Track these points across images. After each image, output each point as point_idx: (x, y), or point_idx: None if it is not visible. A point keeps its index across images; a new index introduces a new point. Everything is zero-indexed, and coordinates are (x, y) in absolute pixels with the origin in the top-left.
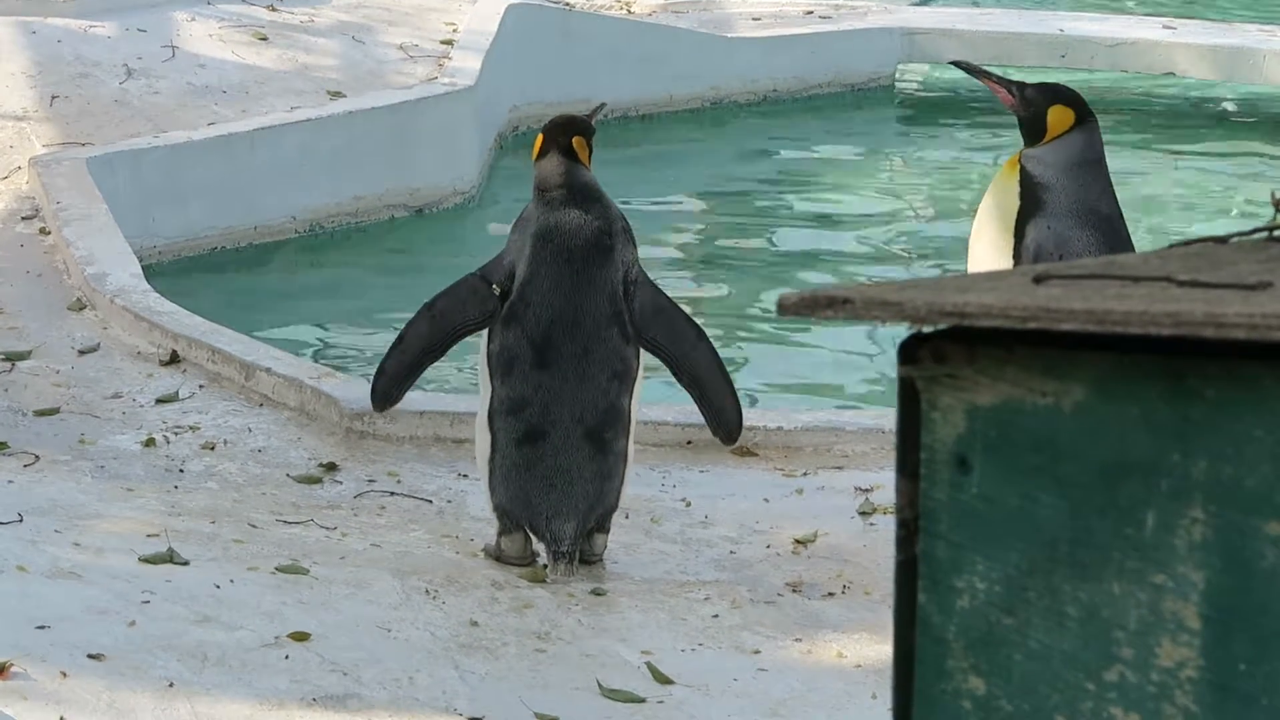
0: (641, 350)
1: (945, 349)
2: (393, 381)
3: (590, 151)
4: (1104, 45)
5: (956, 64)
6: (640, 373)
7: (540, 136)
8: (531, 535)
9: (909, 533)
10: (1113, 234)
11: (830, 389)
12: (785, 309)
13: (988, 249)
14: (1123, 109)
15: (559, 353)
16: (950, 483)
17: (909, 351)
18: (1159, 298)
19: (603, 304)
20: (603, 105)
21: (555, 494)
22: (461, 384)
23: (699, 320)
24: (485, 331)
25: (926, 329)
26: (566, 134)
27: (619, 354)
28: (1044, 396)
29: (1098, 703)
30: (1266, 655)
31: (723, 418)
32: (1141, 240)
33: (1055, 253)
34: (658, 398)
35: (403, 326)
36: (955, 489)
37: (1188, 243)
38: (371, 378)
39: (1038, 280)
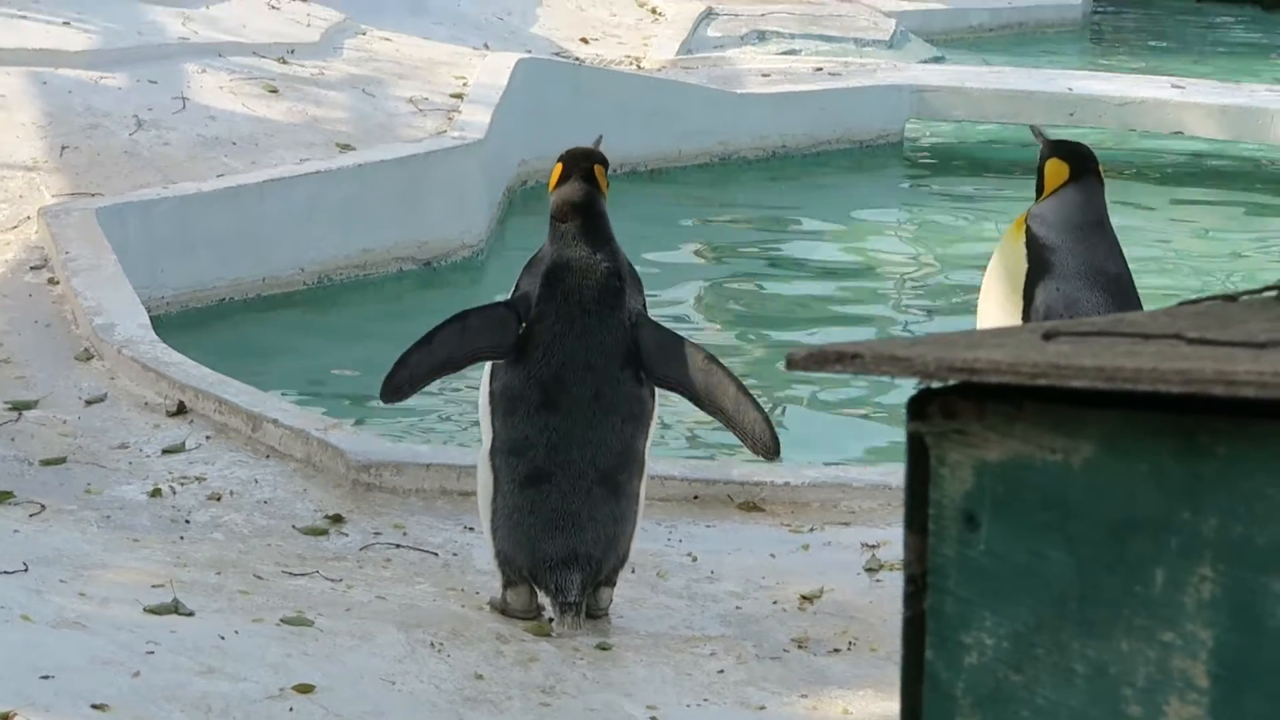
0: (657, 390)
1: (954, 405)
2: (412, 377)
3: (607, 184)
4: (1112, 104)
5: (1031, 128)
6: (655, 415)
7: (558, 165)
8: (536, 588)
9: (917, 589)
10: (1121, 293)
11: (837, 445)
12: (794, 364)
13: (997, 310)
14: (1131, 167)
15: (569, 395)
16: (958, 539)
17: (918, 407)
18: (1169, 355)
19: (614, 346)
20: (599, 138)
21: (561, 539)
22: (467, 439)
23: None
24: (487, 371)
25: (936, 384)
26: (588, 161)
27: (634, 396)
28: (1053, 453)
29: None
30: (1276, 715)
31: (755, 434)
32: (1150, 299)
33: (1065, 314)
34: (664, 453)
35: (431, 329)
36: (964, 545)
37: (1197, 300)
38: (389, 371)
39: (1047, 337)
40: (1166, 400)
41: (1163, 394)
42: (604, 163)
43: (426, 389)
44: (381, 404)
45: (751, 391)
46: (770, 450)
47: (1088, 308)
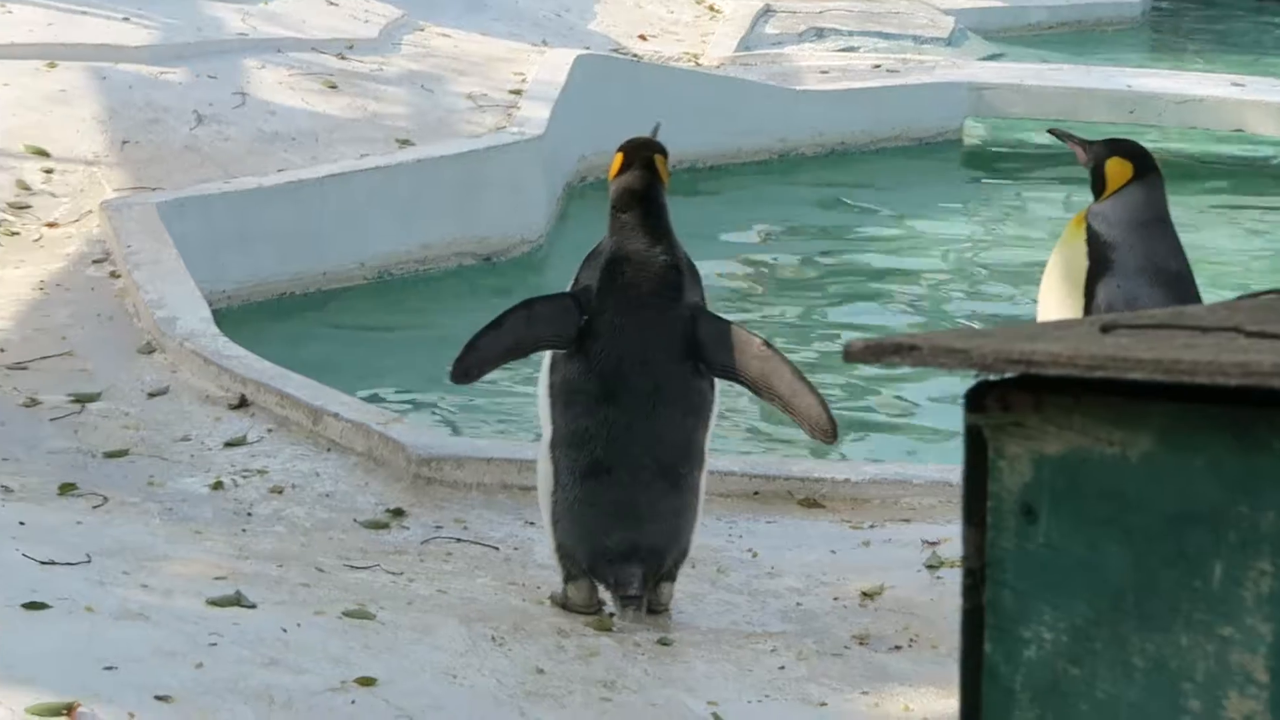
0: (716, 381)
1: (1012, 397)
2: (481, 360)
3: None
4: (1172, 101)
5: (1051, 131)
6: (716, 407)
7: (619, 154)
8: (597, 582)
9: (975, 582)
10: (1182, 290)
11: (897, 439)
12: (852, 356)
13: (1057, 307)
14: (1191, 165)
15: (629, 388)
16: (1017, 532)
17: (976, 400)
18: (1227, 348)
19: (673, 339)
20: (658, 124)
21: (621, 531)
22: (528, 433)
23: None
24: (546, 363)
25: (994, 377)
26: (648, 150)
27: (694, 388)
28: (1111, 446)
29: None
30: None
31: (813, 418)
32: (1209, 297)
33: (1126, 312)
34: (724, 448)
35: (499, 314)
36: (1022, 538)
37: (1256, 294)
38: (459, 353)
39: (1105, 330)
40: (1224, 393)
41: (1220, 387)
42: (664, 152)
43: (487, 381)
44: (451, 385)
45: (809, 379)
46: (828, 433)
47: (1148, 305)
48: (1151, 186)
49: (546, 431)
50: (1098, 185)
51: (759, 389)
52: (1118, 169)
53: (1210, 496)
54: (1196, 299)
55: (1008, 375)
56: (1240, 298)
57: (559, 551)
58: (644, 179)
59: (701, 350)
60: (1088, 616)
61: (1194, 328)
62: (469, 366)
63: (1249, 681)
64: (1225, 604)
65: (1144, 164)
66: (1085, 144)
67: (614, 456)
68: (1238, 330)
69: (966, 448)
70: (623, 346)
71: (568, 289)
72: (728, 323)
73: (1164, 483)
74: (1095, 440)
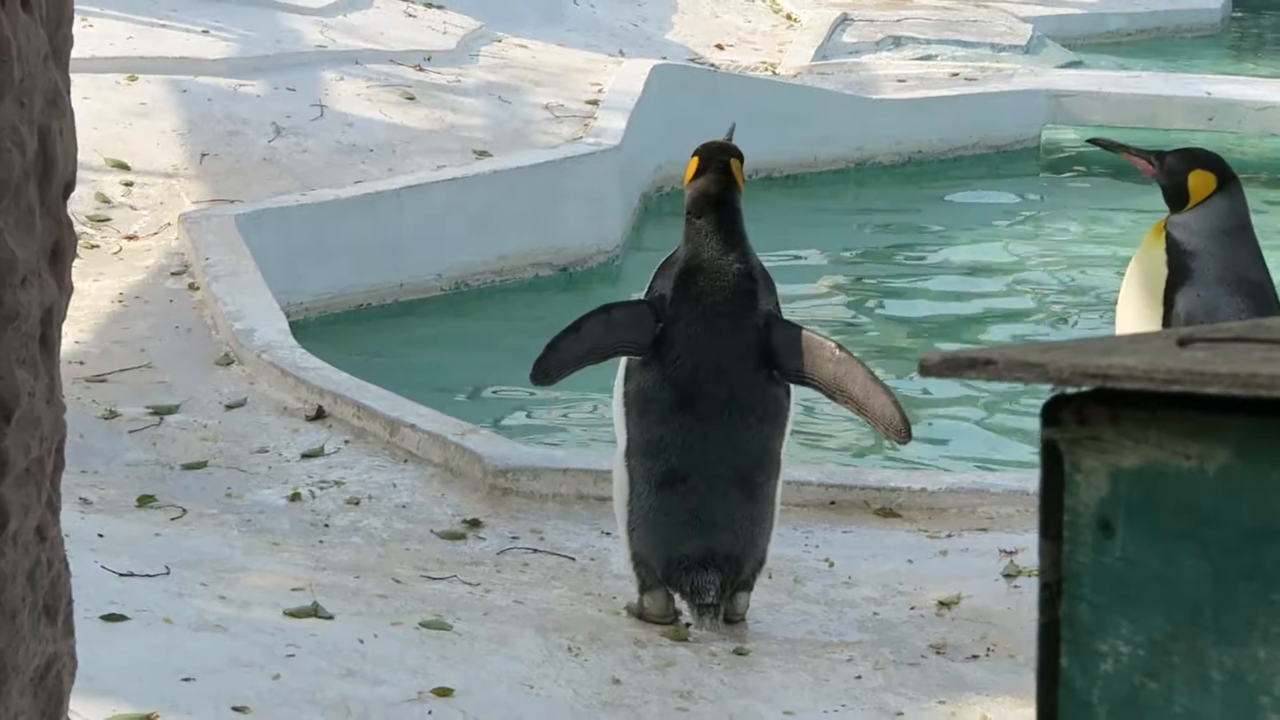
0: (792, 390)
1: (1088, 411)
2: (561, 362)
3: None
4: (1252, 108)
5: (1094, 141)
6: (791, 415)
7: (694, 159)
8: (673, 592)
9: (1052, 595)
10: (1263, 300)
11: (975, 449)
12: (928, 370)
13: (1136, 317)
14: (1271, 172)
15: (704, 396)
16: (1093, 546)
17: (1052, 413)
18: None
19: (747, 347)
20: (733, 126)
21: (698, 539)
22: (604, 444)
23: None
24: (621, 372)
25: (1070, 391)
26: (724, 155)
27: (769, 397)
28: (1188, 459)
29: None
30: None
31: (886, 418)
32: None
33: (1205, 321)
34: (800, 458)
35: (578, 318)
36: (1098, 552)
37: None
38: (539, 355)
39: (1182, 343)
40: None
41: None
42: (739, 156)
43: (564, 389)
44: (529, 393)
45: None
46: (902, 433)
47: (1228, 314)
48: (1235, 195)
49: (621, 440)
50: (1178, 198)
51: (832, 392)
52: (1201, 181)
53: None
54: (1277, 308)
55: (1084, 389)
56: None
57: (634, 560)
58: (719, 183)
59: (775, 356)
60: (1165, 630)
61: (1272, 341)
62: (549, 367)
63: None
64: None
65: (1225, 173)
66: (1148, 156)
67: (689, 465)
68: None
69: (1043, 461)
70: (698, 355)
71: (643, 297)
72: (799, 327)
73: (1241, 496)
74: (1172, 454)
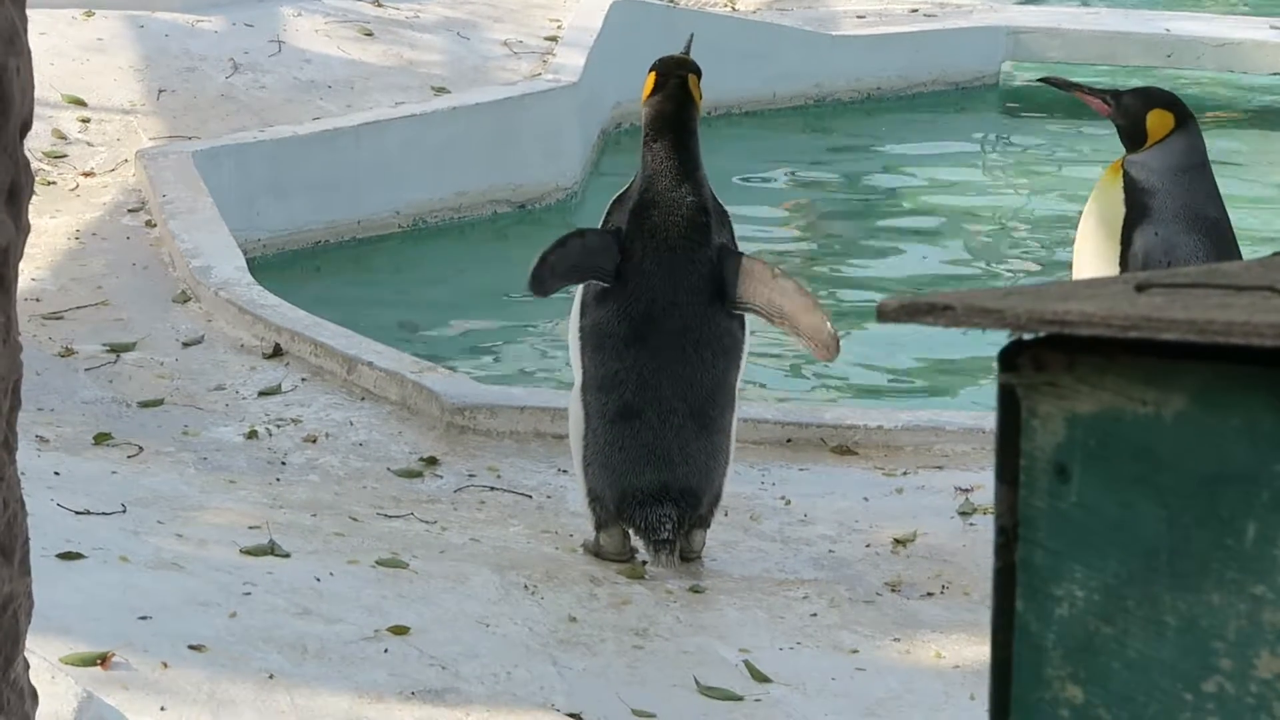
0: (747, 323)
1: (1045, 357)
2: (553, 271)
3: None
4: (1211, 45)
5: (1046, 80)
6: (747, 348)
7: (651, 74)
8: (629, 529)
9: (1008, 540)
10: (1220, 238)
11: (930, 387)
12: (886, 315)
13: (1093, 256)
14: (1229, 110)
15: (658, 330)
16: (1049, 491)
17: (1009, 359)
18: (1261, 308)
19: (701, 281)
20: (690, 38)
21: (652, 473)
22: (561, 381)
23: None
24: (576, 307)
25: (1027, 336)
26: (682, 69)
27: (724, 330)
28: (1145, 405)
29: (1196, 713)
30: None
31: (815, 333)
32: (1247, 244)
33: (1164, 259)
34: (756, 396)
35: (560, 236)
36: (1054, 497)
37: None
38: (531, 267)
39: (1139, 289)
40: (1259, 353)
41: (1255, 347)
42: (697, 72)
43: (521, 326)
44: (530, 296)
45: (840, 338)
46: (831, 349)
47: (1186, 252)
48: (1192, 134)
49: (577, 376)
50: (1135, 138)
51: (769, 314)
52: (1159, 120)
53: (1244, 457)
54: (1235, 247)
55: (1041, 335)
56: (1276, 254)
57: (589, 497)
58: (676, 100)
59: (723, 287)
60: (1120, 575)
61: (1229, 286)
62: (543, 277)
63: None
64: (1258, 563)
65: (1183, 112)
66: (1103, 95)
67: (644, 399)
68: (1273, 289)
69: (999, 407)
70: (652, 290)
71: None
72: (740, 254)
73: (1197, 442)
74: (1129, 400)
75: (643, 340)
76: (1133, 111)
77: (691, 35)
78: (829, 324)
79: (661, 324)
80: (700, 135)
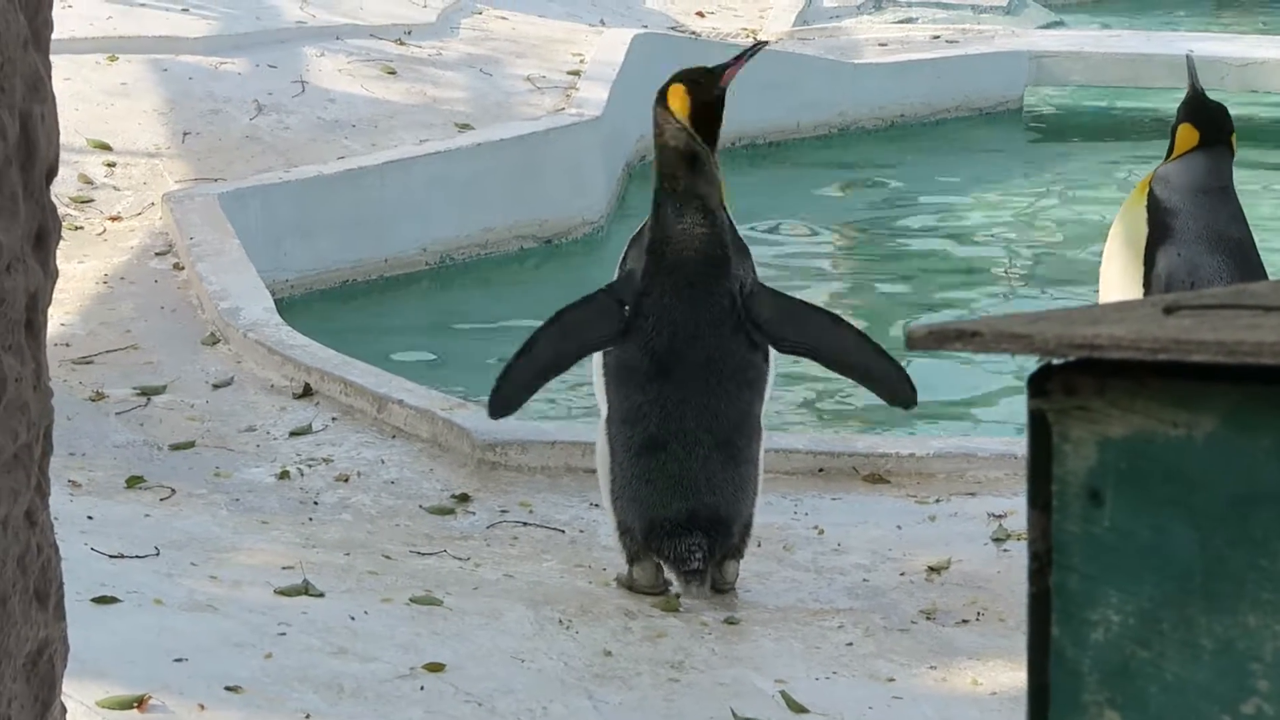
0: (775, 355)
1: (1075, 381)
2: (517, 388)
3: (700, 103)
4: (1234, 65)
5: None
6: (771, 379)
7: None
8: (660, 560)
9: (1042, 565)
10: (1244, 259)
11: (962, 414)
12: (914, 342)
13: (1118, 276)
14: (1253, 129)
15: (682, 363)
16: (1082, 515)
17: (1039, 383)
18: None
19: (722, 313)
20: (761, 45)
21: (679, 504)
22: (592, 416)
23: None
24: None
25: (1057, 361)
26: (668, 83)
27: (748, 362)
28: (1175, 428)
29: None
30: None
31: (889, 386)
32: (1272, 265)
33: (1187, 280)
34: (787, 426)
35: (529, 337)
36: (1087, 521)
37: None
38: (494, 386)
39: (1168, 311)
40: None
41: None
42: (694, 84)
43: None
44: (491, 419)
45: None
46: (910, 401)
47: (1209, 273)
48: (1216, 155)
49: (603, 410)
50: (1170, 146)
51: (831, 362)
52: (1185, 134)
53: (1276, 477)
54: (1259, 267)
55: (1071, 359)
56: None
57: (620, 529)
58: (663, 133)
59: (766, 327)
60: (1155, 599)
61: (1257, 307)
62: (506, 397)
63: None
64: None
65: (1214, 134)
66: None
67: (669, 431)
68: None
69: (1030, 432)
70: (673, 323)
71: (616, 271)
72: (790, 298)
73: (1229, 464)
74: (1159, 422)
75: (666, 373)
76: (1175, 119)
77: (760, 44)
78: (904, 373)
79: (684, 357)
80: (719, 161)
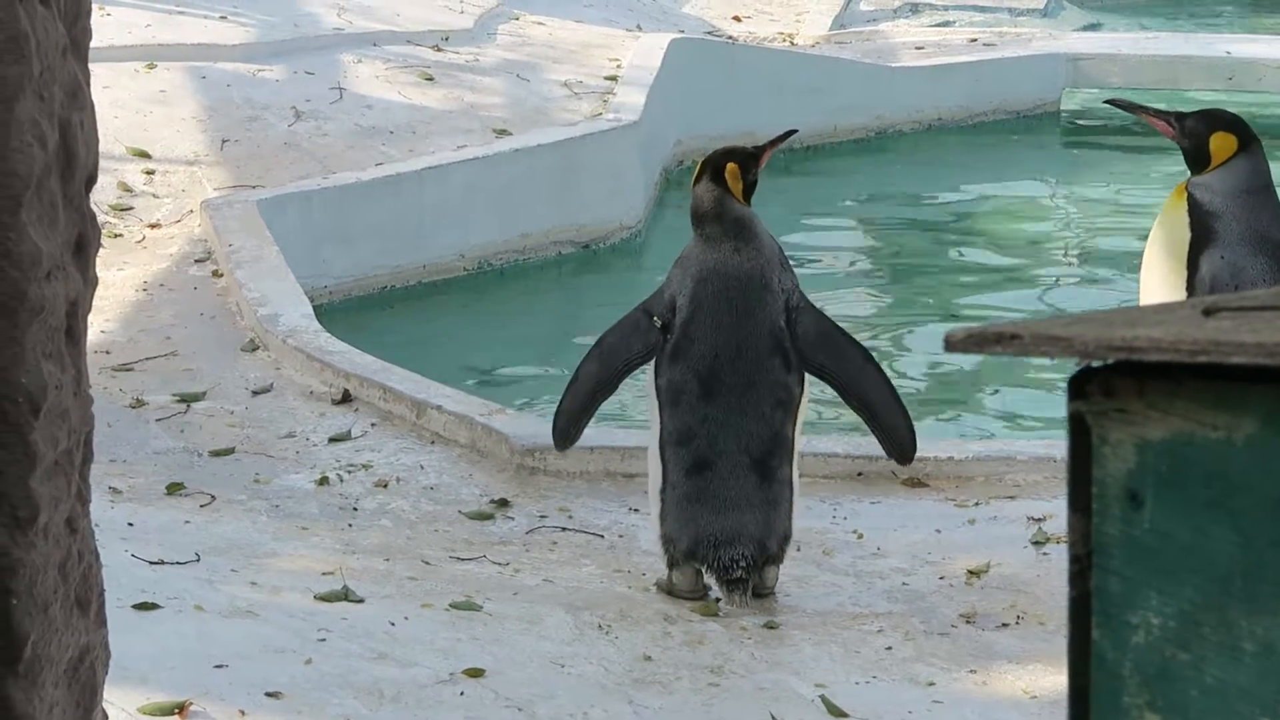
0: (807, 376)
1: (1115, 383)
2: (570, 420)
3: (747, 183)
4: (1271, 66)
5: (1111, 102)
6: (805, 400)
7: (699, 164)
8: (702, 568)
9: (1082, 568)
10: None
11: (1001, 417)
12: (953, 346)
13: (1160, 281)
14: None
15: (723, 385)
16: (1122, 518)
17: (1078, 386)
18: None
19: (763, 337)
20: (791, 132)
21: (722, 520)
22: (631, 420)
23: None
24: (653, 366)
25: (1096, 363)
26: (722, 160)
27: (781, 383)
28: (1215, 430)
29: None
30: None
31: (895, 437)
32: None
33: (1231, 282)
34: (827, 429)
35: (576, 366)
36: (1127, 524)
37: None
38: (551, 417)
39: (1207, 313)
40: None
41: None
42: (745, 161)
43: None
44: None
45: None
46: (906, 456)
47: (1253, 275)
48: (1257, 156)
49: (655, 430)
50: (1199, 160)
51: (849, 394)
52: (1223, 143)
53: None
54: None
55: (1110, 361)
56: None
57: (663, 540)
58: (712, 193)
59: (800, 345)
60: (1195, 601)
61: None
62: (565, 430)
63: None
64: None
65: (1246, 134)
66: (1168, 117)
67: (714, 452)
68: None
69: (1070, 434)
70: (717, 347)
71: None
72: (833, 324)
73: (1269, 465)
74: (1199, 425)
75: (710, 396)
76: (1196, 134)
77: (791, 131)
78: (911, 430)
79: (726, 379)
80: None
